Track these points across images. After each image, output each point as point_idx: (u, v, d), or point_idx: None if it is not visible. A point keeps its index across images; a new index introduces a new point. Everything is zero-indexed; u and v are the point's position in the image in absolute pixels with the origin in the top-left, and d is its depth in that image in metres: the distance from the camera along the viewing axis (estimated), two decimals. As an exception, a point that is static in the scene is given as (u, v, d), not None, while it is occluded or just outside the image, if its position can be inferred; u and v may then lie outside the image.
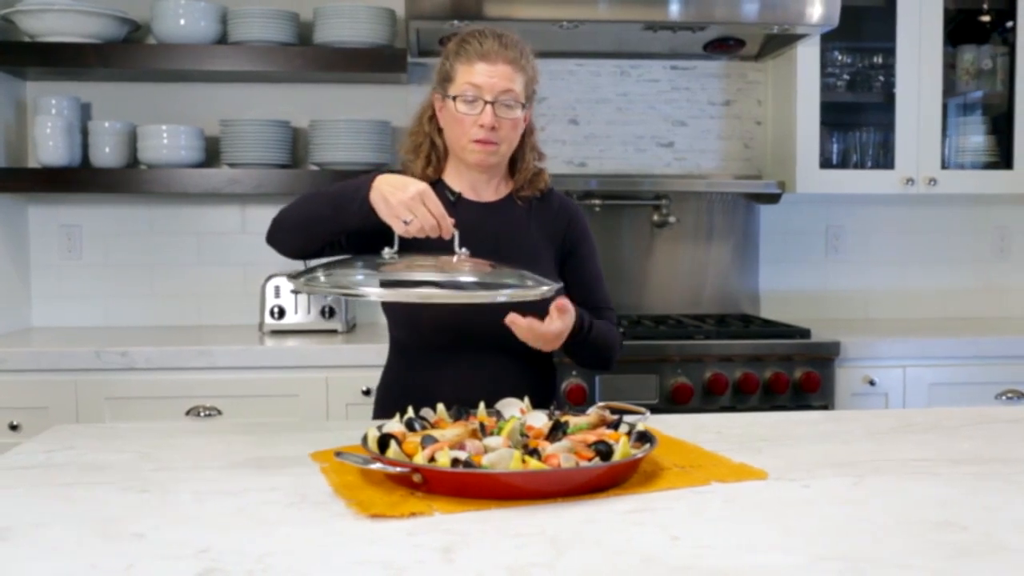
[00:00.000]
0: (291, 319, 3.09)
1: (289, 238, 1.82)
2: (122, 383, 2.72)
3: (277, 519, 1.22)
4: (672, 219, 3.35)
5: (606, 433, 1.46)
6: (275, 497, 1.31)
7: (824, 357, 2.88)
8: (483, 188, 1.98)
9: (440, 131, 1.95)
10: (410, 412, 1.55)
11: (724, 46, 3.21)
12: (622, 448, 1.35)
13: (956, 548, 1.12)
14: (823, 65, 3.21)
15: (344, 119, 3.14)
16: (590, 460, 1.34)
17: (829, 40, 3.17)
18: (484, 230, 1.89)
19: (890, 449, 1.60)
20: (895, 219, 3.54)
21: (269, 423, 2.04)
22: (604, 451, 1.35)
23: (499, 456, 1.30)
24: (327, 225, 1.76)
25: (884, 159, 3.26)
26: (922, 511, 1.26)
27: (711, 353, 2.85)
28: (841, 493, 1.34)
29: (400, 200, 1.61)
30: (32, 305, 3.28)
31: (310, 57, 3.07)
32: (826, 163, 3.26)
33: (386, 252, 1.59)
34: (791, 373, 2.86)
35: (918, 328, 3.24)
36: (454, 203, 1.93)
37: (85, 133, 3.11)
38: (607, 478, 1.33)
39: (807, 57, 3.15)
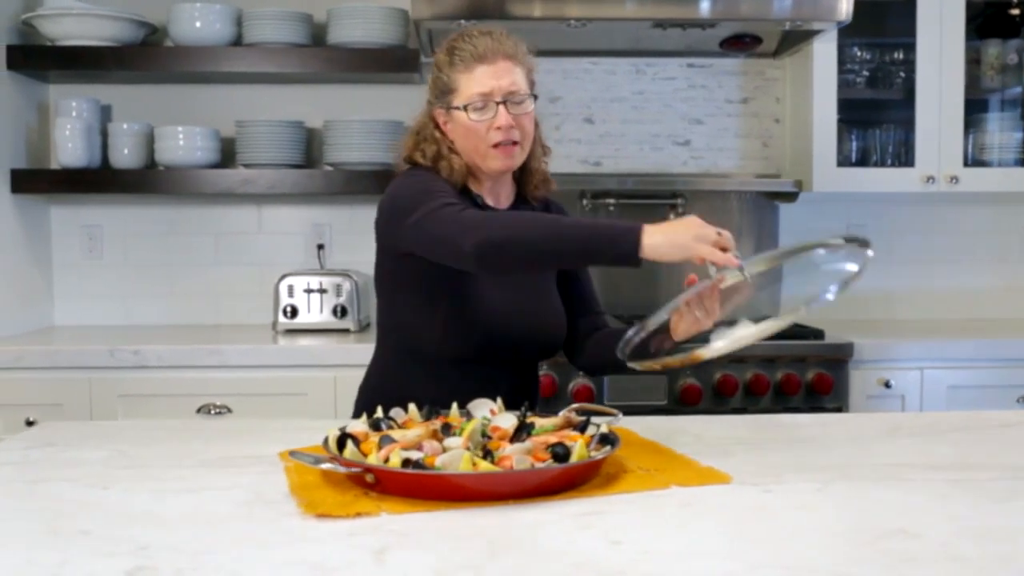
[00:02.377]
0: (304, 318, 3.11)
1: (514, 266, 1.68)
2: (135, 381, 2.77)
3: (226, 517, 1.23)
4: (687, 218, 3.31)
5: (571, 435, 1.45)
6: (231, 496, 1.32)
7: (838, 358, 2.83)
8: (501, 193, 1.92)
9: (451, 143, 1.86)
10: (379, 412, 1.56)
11: (740, 43, 3.16)
12: (578, 450, 1.34)
13: (902, 557, 1.09)
14: (842, 61, 3.15)
15: (357, 119, 3.16)
16: (545, 462, 1.33)
17: (848, 36, 3.11)
18: None
19: (868, 454, 1.57)
20: (918, 218, 3.46)
21: (264, 422, 2.05)
22: (561, 453, 1.34)
23: (451, 457, 1.30)
24: (566, 263, 1.73)
25: (905, 157, 3.19)
26: (879, 519, 1.23)
27: (723, 354, 2.80)
28: (802, 499, 1.31)
29: (696, 232, 1.52)
30: (55, 304, 3.34)
31: (323, 58, 3.09)
32: (844, 161, 3.20)
33: (712, 273, 1.54)
34: (803, 375, 2.81)
35: (937, 329, 3.17)
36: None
37: (105, 135, 3.16)
38: (561, 481, 1.32)
39: (824, 53, 3.09)
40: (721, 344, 1.51)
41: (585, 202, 3.30)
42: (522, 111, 1.81)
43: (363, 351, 2.81)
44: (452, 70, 1.81)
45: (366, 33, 3.09)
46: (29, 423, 2.73)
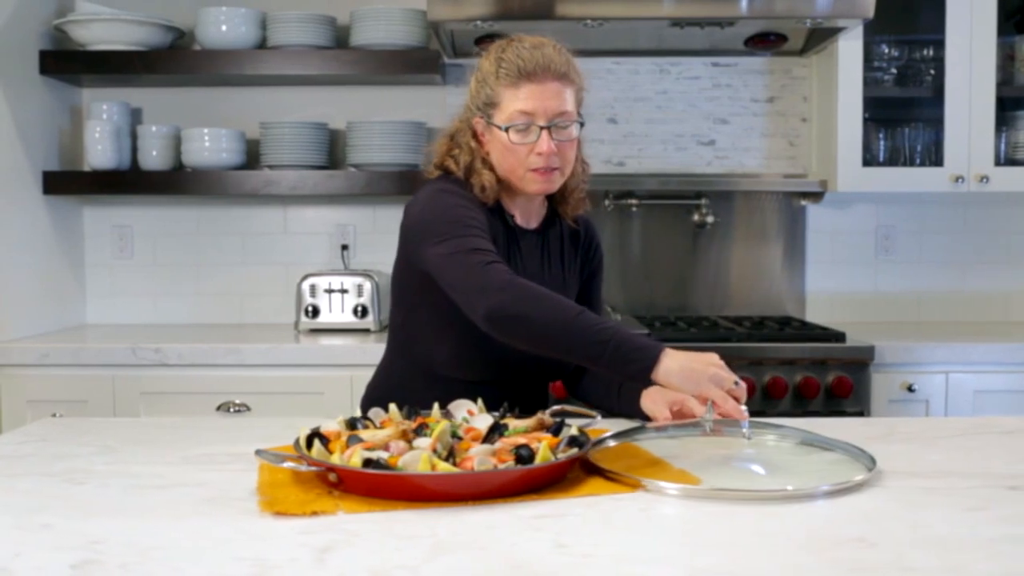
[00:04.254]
0: (325, 318, 3.15)
1: (522, 343, 1.62)
2: (156, 379, 2.82)
3: (186, 514, 1.25)
4: (710, 219, 3.28)
5: (541, 436, 1.44)
6: (199, 492, 1.34)
7: (859, 361, 2.77)
8: (532, 210, 1.87)
9: (487, 154, 1.79)
10: (357, 412, 1.57)
11: (766, 42, 3.12)
12: (541, 453, 1.33)
13: (851, 566, 1.06)
14: (869, 59, 3.09)
15: (380, 120, 3.18)
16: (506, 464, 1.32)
17: (876, 33, 3.06)
18: (535, 261, 1.84)
19: (852, 459, 1.53)
20: (950, 218, 3.38)
21: (259, 420, 2.08)
22: (524, 455, 1.33)
23: (411, 457, 1.30)
24: (574, 359, 1.62)
25: (935, 156, 3.12)
26: (840, 527, 1.20)
27: (742, 356, 2.76)
28: (769, 505, 1.29)
29: (714, 373, 1.51)
30: (87, 303, 3.42)
31: (346, 60, 3.12)
32: (871, 160, 3.14)
33: (707, 418, 1.53)
34: (823, 378, 2.76)
35: (964, 332, 3.09)
36: (517, 233, 1.84)
37: (135, 137, 3.23)
38: (522, 482, 1.31)
39: (849, 51, 3.04)
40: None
41: (608, 202, 3.29)
42: (566, 137, 1.73)
43: (381, 351, 2.83)
44: (497, 82, 1.73)
45: (388, 35, 3.12)
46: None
